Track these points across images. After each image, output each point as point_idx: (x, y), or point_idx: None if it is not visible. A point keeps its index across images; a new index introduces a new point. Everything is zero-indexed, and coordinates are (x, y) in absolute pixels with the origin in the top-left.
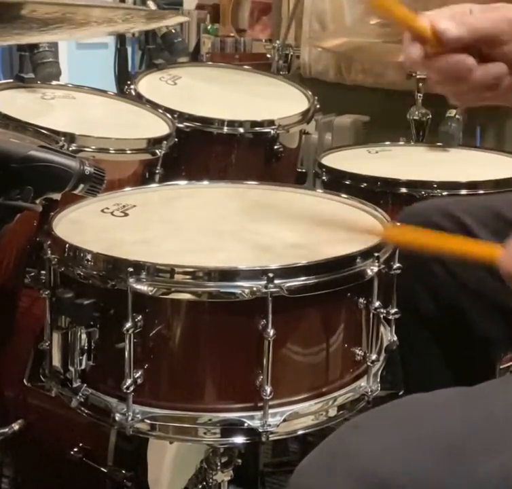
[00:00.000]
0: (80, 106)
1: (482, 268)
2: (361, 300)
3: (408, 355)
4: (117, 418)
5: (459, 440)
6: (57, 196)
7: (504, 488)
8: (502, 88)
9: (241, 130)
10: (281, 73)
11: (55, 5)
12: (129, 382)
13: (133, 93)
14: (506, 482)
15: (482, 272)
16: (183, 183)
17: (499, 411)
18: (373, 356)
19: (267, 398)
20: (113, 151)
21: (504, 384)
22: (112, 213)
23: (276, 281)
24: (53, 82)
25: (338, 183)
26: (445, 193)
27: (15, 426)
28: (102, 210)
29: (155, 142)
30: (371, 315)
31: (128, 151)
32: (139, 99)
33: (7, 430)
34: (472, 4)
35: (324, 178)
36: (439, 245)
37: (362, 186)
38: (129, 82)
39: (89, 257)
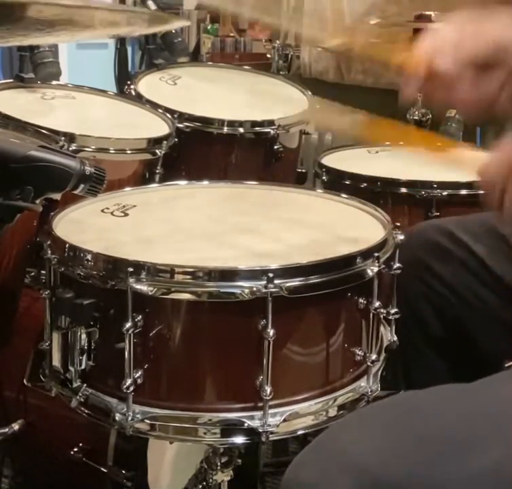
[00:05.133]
0: (80, 106)
1: (479, 283)
2: (361, 300)
3: (408, 355)
4: (117, 418)
5: (451, 436)
6: (57, 196)
7: (497, 483)
8: (503, 98)
9: (241, 130)
10: (281, 73)
11: (56, 6)
12: (129, 381)
13: (133, 93)
14: (498, 477)
15: (481, 288)
16: (183, 183)
17: (492, 407)
18: (373, 356)
19: (267, 398)
20: (113, 151)
21: (497, 381)
22: (112, 213)
23: (276, 281)
24: (53, 82)
25: (338, 183)
26: (445, 193)
27: (15, 426)
28: (102, 210)
29: (155, 142)
30: (371, 315)
31: (128, 151)
32: (139, 99)
33: (7, 430)
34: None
35: (324, 178)
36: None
37: (362, 186)
38: (129, 82)
39: (89, 257)
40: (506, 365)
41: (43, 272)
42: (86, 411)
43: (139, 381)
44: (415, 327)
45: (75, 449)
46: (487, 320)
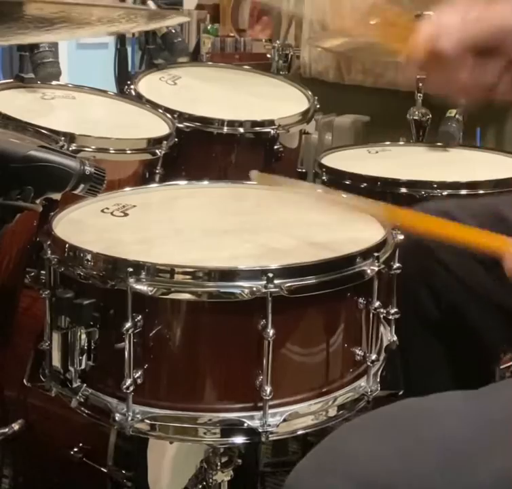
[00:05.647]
0: (80, 106)
1: (483, 270)
2: (361, 300)
3: (408, 355)
4: (117, 418)
5: (457, 444)
6: (57, 196)
7: None
8: (502, 86)
9: (241, 130)
10: (281, 73)
11: (55, 4)
12: (129, 382)
13: (133, 93)
14: (503, 485)
15: (483, 274)
16: (183, 183)
17: (497, 415)
18: (373, 356)
19: (267, 398)
20: (113, 151)
21: (502, 388)
22: (112, 213)
23: (276, 281)
24: (53, 82)
25: (338, 183)
26: (445, 193)
27: (15, 426)
28: (102, 210)
29: (155, 142)
30: (371, 315)
31: (128, 151)
32: (139, 99)
33: (7, 430)
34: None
35: (324, 178)
36: (446, 232)
37: (362, 186)
38: (129, 82)
39: (89, 257)
40: (503, 366)
41: (43, 272)
42: (86, 411)
43: (139, 381)
44: (409, 309)
45: (75, 449)
46: (486, 305)
